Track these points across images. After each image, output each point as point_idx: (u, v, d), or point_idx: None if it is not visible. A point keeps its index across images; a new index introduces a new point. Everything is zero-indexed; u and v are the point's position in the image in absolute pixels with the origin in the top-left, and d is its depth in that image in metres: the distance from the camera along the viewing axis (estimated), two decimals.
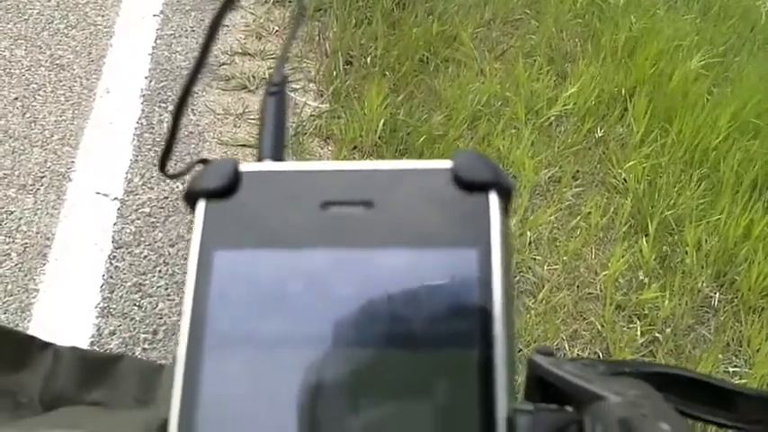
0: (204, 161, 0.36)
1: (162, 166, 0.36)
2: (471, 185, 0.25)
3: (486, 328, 0.23)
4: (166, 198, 2.05)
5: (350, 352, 0.23)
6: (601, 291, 2.02)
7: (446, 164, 0.26)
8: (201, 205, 0.26)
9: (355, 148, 2.28)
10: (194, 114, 2.32)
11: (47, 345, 0.43)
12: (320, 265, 0.24)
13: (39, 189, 2.00)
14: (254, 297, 0.24)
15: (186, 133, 2.26)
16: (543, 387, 0.30)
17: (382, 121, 2.29)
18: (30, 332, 0.90)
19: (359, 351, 0.23)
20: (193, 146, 2.21)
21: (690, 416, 0.34)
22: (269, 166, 0.28)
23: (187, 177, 0.36)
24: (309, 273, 0.24)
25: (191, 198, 0.26)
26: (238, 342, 0.23)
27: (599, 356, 1.86)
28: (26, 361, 0.42)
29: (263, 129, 0.34)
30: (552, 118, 2.50)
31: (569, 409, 0.28)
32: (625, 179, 2.33)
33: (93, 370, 0.43)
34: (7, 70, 2.34)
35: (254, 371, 0.23)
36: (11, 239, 1.87)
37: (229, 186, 0.26)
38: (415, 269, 0.24)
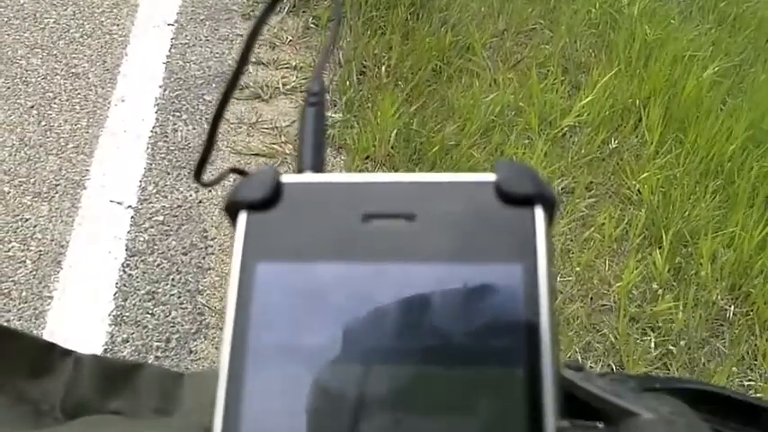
0: (236, 170, 0.36)
1: (197, 175, 0.36)
2: (516, 199, 0.25)
3: (533, 345, 0.22)
4: (180, 207, 2.05)
5: (393, 367, 0.23)
6: (614, 302, 2.01)
7: (489, 177, 0.25)
8: (243, 217, 0.25)
9: (368, 158, 2.28)
10: (208, 123, 2.33)
11: (68, 352, 0.43)
12: (361, 279, 0.24)
13: (53, 197, 2.02)
14: (296, 309, 0.24)
15: (200, 142, 2.27)
16: (569, 402, 0.29)
17: (395, 130, 2.29)
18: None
19: (402, 366, 0.23)
20: None
21: None
22: (310, 177, 0.27)
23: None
24: (351, 286, 0.24)
25: (232, 209, 0.26)
26: (280, 355, 0.23)
27: (612, 369, 1.85)
28: (47, 368, 0.42)
29: (302, 140, 0.33)
30: (566, 128, 2.49)
31: (599, 425, 0.27)
32: (639, 190, 2.32)
33: (114, 378, 0.42)
34: (24, 79, 2.36)
35: (296, 384, 0.23)
36: (26, 246, 1.88)
37: (271, 198, 0.25)
38: (459, 284, 0.23)
